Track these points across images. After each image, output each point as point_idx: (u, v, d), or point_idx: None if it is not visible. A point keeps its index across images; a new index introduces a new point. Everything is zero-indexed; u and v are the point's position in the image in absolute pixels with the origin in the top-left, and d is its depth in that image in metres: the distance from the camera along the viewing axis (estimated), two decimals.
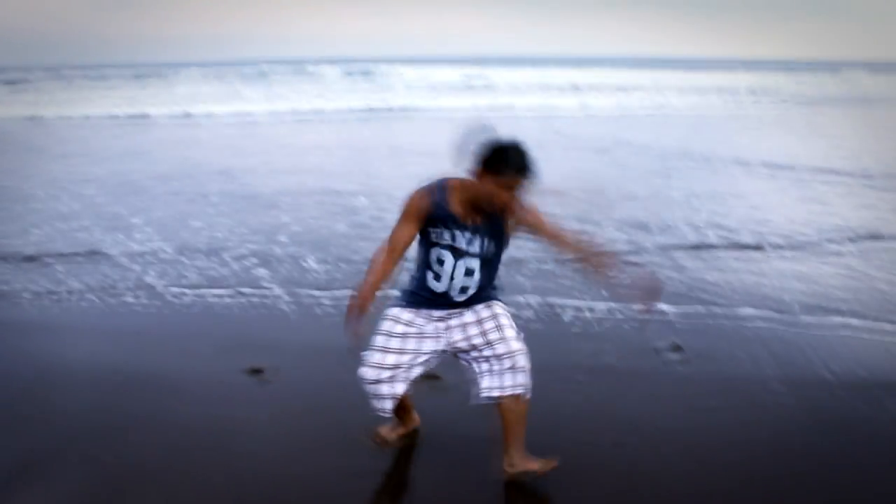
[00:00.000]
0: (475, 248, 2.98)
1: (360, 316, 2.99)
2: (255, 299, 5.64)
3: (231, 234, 7.72)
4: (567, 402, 3.91)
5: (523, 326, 4.94)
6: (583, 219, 8.13)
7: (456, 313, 3.13)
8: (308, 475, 3.27)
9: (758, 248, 7.24)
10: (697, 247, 7.23)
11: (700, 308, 5.38)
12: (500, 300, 3.20)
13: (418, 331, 3.10)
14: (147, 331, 5.08)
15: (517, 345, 3.03)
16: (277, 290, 5.81)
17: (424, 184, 2.99)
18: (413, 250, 3.10)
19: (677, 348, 4.59)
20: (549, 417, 3.73)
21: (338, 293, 5.68)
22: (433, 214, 2.95)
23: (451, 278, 3.03)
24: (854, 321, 5.18)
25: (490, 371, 3.06)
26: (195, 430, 3.65)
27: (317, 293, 5.75)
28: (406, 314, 3.11)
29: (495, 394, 3.04)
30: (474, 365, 3.11)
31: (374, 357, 3.05)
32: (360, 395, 3.86)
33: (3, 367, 4.52)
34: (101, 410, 3.88)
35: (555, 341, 4.77)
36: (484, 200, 2.87)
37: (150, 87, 36.71)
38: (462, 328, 3.10)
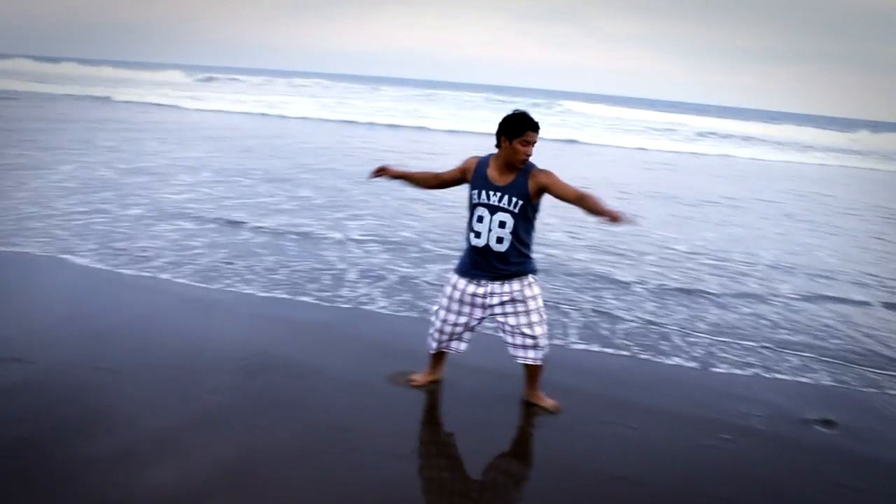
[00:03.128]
0: (504, 202, 3.93)
1: (376, 174, 4.28)
2: (423, 311, 5.99)
3: (435, 244, 8.30)
4: (711, 458, 4.00)
5: (679, 374, 5.15)
6: (777, 267, 8.10)
7: (498, 284, 4.09)
8: (448, 485, 3.57)
9: None
10: (868, 305, 7.15)
11: (859, 377, 5.29)
12: (533, 273, 4.16)
13: (470, 301, 4.16)
14: (333, 328, 5.53)
15: (539, 330, 4.16)
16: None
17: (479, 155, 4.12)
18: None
19: (829, 422, 4.53)
20: (688, 468, 3.88)
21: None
22: (474, 176, 4.05)
23: (489, 230, 3.98)
24: None
25: (518, 344, 4.19)
26: (338, 426, 3.99)
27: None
28: (461, 282, 4.18)
29: (520, 360, 4.24)
30: (507, 334, 4.21)
31: (440, 315, 4.29)
32: (501, 415, 4.26)
33: (178, 339, 5.06)
34: (266, 393, 4.29)
35: (707, 394, 4.85)
36: (510, 159, 3.90)
37: (351, 97, 39.24)
38: (501, 304, 4.12)
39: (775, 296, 7.37)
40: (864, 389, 5.13)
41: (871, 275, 8.76)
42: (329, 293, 6.31)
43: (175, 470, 3.44)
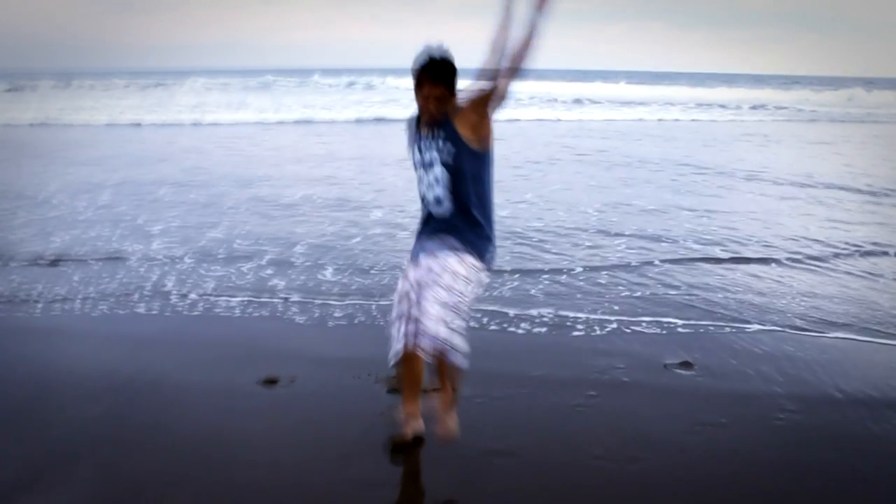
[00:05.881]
0: (434, 152, 3.17)
1: None
2: (270, 309, 5.66)
3: (247, 242, 7.75)
4: (580, 417, 3.94)
5: (535, 341, 5.05)
6: (603, 230, 8.25)
7: (437, 251, 3.25)
8: (323, 486, 3.29)
9: (766, 262, 7.29)
10: (706, 260, 7.28)
11: (709, 323, 5.41)
12: (478, 252, 3.26)
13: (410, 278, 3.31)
14: (160, 340, 5.10)
15: (433, 311, 3.14)
16: (293, 301, 5.84)
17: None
18: None
19: (687, 364, 4.62)
20: (563, 431, 3.80)
21: (354, 302, 5.74)
22: (409, 137, 3.35)
23: (427, 194, 3.25)
24: (862, 337, 5.23)
25: (418, 327, 3.20)
26: (207, 440, 3.67)
27: (333, 303, 5.78)
28: (407, 268, 3.36)
29: (401, 341, 3.25)
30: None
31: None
32: (375, 406, 3.94)
33: (15, 373, 4.53)
34: (112, 419, 3.88)
35: (567, 356, 4.80)
36: (422, 113, 3.20)
37: (155, 96, 36.70)
38: (428, 268, 3.24)
39: (612, 257, 7.54)
40: (714, 331, 5.28)
41: (698, 228, 9.18)
42: (159, 302, 5.78)
43: None
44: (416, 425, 3.58)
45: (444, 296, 3.16)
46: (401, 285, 3.35)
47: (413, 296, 3.26)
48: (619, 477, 3.37)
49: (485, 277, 3.37)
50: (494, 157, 3.31)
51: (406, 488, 3.35)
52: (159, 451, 3.55)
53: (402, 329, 3.27)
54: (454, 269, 3.19)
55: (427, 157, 3.22)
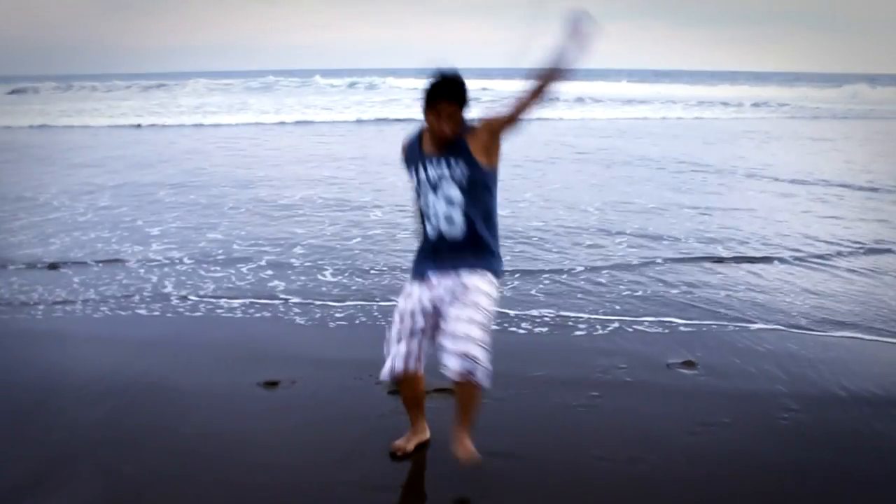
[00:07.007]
0: (445, 170, 3.12)
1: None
2: (270, 311, 5.64)
3: (246, 244, 7.74)
4: (582, 417, 3.92)
5: (537, 341, 5.03)
6: (604, 229, 8.23)
7: (450, 271, 3.18)
8: (324, 488, 3.26)
9: (768, 261, 7.25)
10: (708, 259, 7.24)
11: (712, 322, 5.38)
12: (494, 269, 3.23)
13: (421, 308, 3.24)
14: (161, 342, 5.08)
15: (477, 333, 3.04)
16: (293, 302, 5.82)
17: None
18: None
19: (690, 363, 4.59)
20: (565, 432, 3.77)
21: (352, 303, 5.73)
22: (408, 155, 3.27)
23: (437, 213, 3.16)
24: (866, 336, 5.19)
25: (448, 348, 3.04)
26: (208, 442, 3.65)
27: (333, 304, 5.77)
28: (413, 288, 3.29)
29: (448, 373, 3.05)
30: (443, 336, 3.10)
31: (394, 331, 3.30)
32: (376, 408, 3.93)
33: (15, 376, 4.52)
34: (113, 422, 3.86)
35: (569, 355, 4.78)
36: (433, 134, 3.12)
37: (157, 98, 36.74)
38: (448, 288, 3.18)
39: (612, 257, 7.51)
40: (716, 330, 5.26)
41: (700, 226, 9.19)
42: (159, 305, 5.77)
43: None
44: (421, 437, 3.59)
45: (477, 316, 3.07)
46: (403, 304, 3.29)
47: (419, 318, 3.24)
48: (622, 477, 3.35)
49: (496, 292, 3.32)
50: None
51: (407, 491, 3.32)
52: (160, 454, 3.54)
53: (404, 349, 3.26)
54: (481, 287, 3.14)
55: (435, 175, 3.16)
